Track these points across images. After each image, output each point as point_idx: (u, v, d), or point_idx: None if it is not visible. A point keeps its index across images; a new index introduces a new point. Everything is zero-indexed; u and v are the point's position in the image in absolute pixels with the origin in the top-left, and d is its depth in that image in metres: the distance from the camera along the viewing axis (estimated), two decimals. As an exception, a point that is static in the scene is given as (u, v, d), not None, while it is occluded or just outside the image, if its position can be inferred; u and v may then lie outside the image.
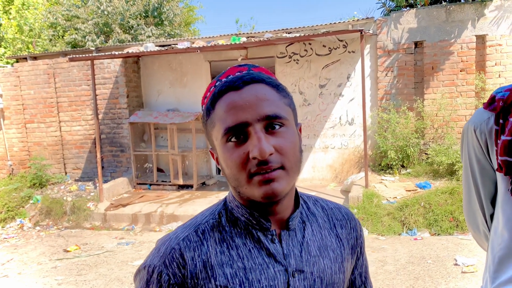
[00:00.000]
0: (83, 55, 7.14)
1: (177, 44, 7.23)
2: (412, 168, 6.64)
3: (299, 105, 7.45)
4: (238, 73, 0.80)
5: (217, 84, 0.81)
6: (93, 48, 8.67)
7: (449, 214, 5.29)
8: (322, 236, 0.88)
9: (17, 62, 8.83)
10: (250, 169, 0.74)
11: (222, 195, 7.07)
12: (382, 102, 7.00)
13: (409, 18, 6.79)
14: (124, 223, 6.70)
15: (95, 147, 7.74)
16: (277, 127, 0.76)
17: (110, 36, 12.90)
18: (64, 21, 13.21)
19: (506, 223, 1.13)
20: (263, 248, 0.81)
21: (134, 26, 12.89)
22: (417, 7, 7.01)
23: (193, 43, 7.19)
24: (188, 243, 0.80)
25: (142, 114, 8.00)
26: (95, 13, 12.87)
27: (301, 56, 7.43)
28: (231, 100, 0.76)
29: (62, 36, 13.79)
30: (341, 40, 7.10)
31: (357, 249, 0.94)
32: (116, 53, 7.13)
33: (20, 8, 14.99)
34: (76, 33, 12.76)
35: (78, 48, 10.22)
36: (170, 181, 7.80)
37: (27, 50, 14.28)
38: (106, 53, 7.19)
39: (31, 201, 7.50)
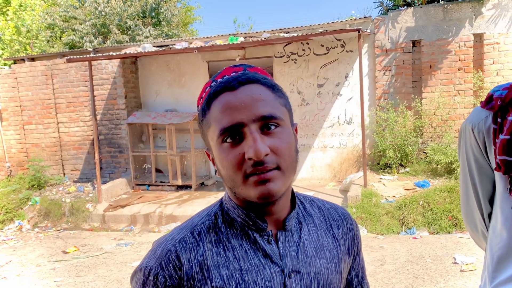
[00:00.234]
0: (81, 56, 7.13)
1: (175, 45, 7.23)
2: (411, 167, 6.64)
3: (298, 105, 7.44)
4: (234, 74, 0.80)
5: (212, 84, 0.81)
6: (91, 49, 8.66)
7: (447, 213, 5.30)
8: (319, 237, 0.88)
9: (14, 63, 8.80)
10: (245, 169, 0.74)
11: (220, 195, 7.01)
12: (380, 101, 7.00)
13: (406, 17, 6.80)
14: (123, 224, 6.68)
15: (94, 148, 7.72)
16: (272, 127, 0.76)
17: (108, 37, 12.89)
18: (62, 22, 13.20)
19: (504, 222, 1.13)
20: (259, 249, 0.81)
21: (131, 26, 12.87)
22: (414, 6, 7.02)
23: (191, 43, 7.19)
24: (184, 244, 0.80)
25: (140, 114, 7.99)
26: (92, 14, 12.85)
27: (299, 56, 7.42)
28: (226, 101, 0.76)
29: (60, 37, 13.76)
30: (339, 40, 7.10)
31: (353, 249, 0.94)
32: (114, 53, 7.11)
33: (18, 9, 14.98)
34: (74, 34, 12.75)
35: (76, 49, 10.20)
36: (168, 182, 7.79)
37: (24, 51, 14.27)
38: (104, 54, 7.17)
39: (29, 203, 7.48)
